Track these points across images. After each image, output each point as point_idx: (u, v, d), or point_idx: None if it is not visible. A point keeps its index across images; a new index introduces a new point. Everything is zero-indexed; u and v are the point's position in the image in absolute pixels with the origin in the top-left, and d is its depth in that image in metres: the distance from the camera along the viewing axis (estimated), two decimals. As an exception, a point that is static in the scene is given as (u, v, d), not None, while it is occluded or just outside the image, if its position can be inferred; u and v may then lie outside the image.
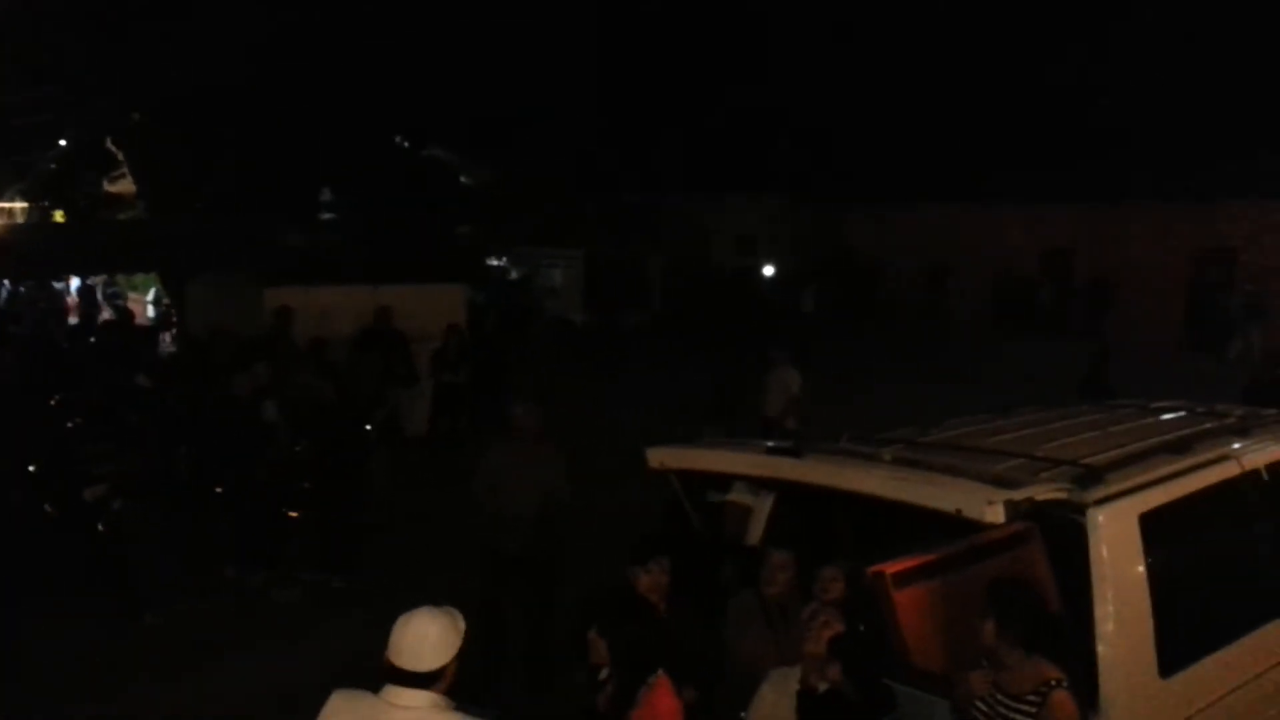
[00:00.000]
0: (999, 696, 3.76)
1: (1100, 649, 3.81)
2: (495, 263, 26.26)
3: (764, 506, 5.20)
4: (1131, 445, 4.92)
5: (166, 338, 13.55)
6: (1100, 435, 5.23)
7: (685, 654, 3.91)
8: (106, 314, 15.15)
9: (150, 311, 15.84)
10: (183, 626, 7.37)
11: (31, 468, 8.17)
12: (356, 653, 6.73)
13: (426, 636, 2.98)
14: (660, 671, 3.63)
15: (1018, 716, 3.70)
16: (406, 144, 27.61)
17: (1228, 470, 4.71)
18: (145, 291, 16.78)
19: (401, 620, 3.03)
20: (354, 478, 8.47)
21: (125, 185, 20.30)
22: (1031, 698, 3.68)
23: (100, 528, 7.45)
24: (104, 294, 16.47)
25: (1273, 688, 4.48)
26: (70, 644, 6.95)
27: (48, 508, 7.79)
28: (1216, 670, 4.22)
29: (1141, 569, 3.98)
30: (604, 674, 3.70)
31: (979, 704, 3.80)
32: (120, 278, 16.73)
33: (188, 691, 6.46)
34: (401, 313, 12.36)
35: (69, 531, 7.68)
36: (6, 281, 16.99)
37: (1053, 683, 3.67)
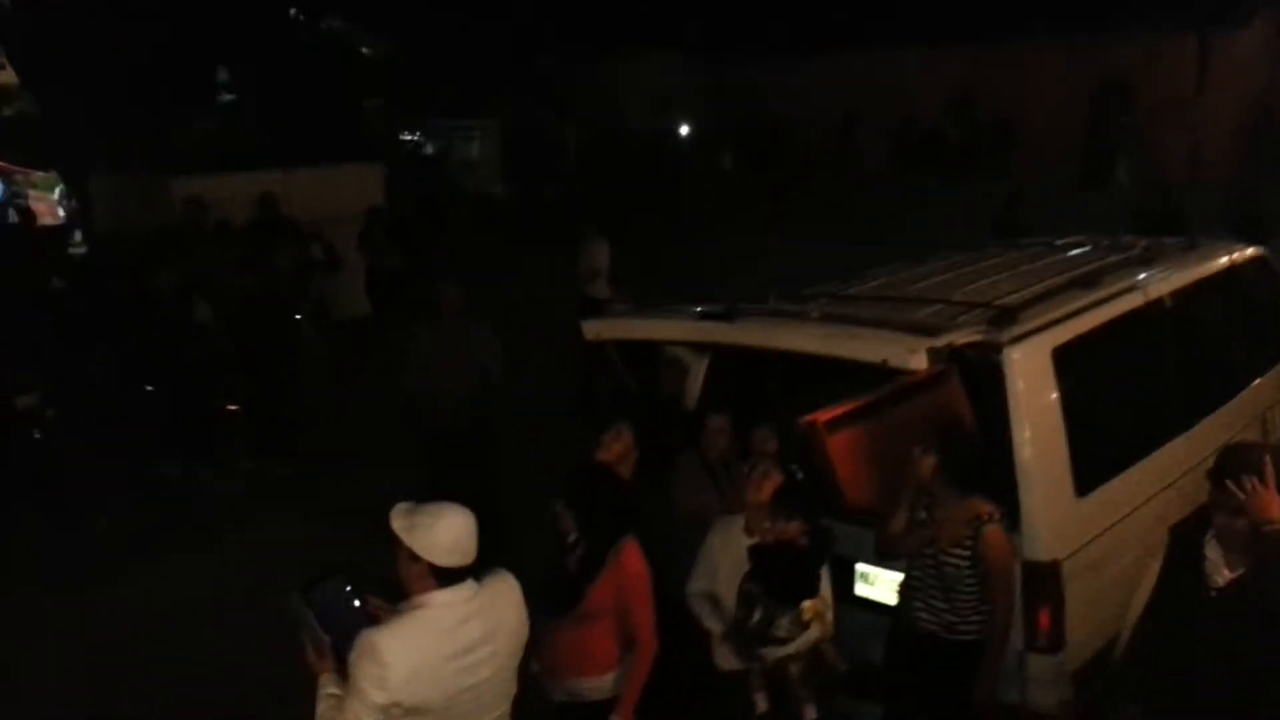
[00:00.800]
0: (939, 544, 4.03)
1: (1019, 475, 4.09)
2: (408, 137, 25.51)
3: (700, 367, 5.36)
4: (1042, 283, 5.17)
5: (76, 236, 13.06)
6: (1012, 275, 5.47)
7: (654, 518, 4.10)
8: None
9: (61, 211, 15.15)
10: (133, 526, 7.40)
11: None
12: (308, 540, 6.93)
13: (467, 529, 2.96)
14: (628, 536, 3.82)
15: (956, 553, 4.00)
16: (301, 17, 26.26)
17: (1134, 301, 4.99)
18: (48, 190, 16.02)
19: (436, 523, 2.92)
20: (286, 368, 8.45)
21: (5, 77, 19.04)
22: (967, 541, 3.96)
23: (36, 436, 7.36)
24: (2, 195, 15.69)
25: (1177, 495, 4.86)
26: (21, 555, 6.95)
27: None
28: (1128, 486, 4.53)
29: (1055, 398, 4.24)
30: (572, 539, 3.86)
31: (924, 552, 4.08)
32: (19, 177, 15.91)
33: (145, 590, 6.53)
34: (316, 196, 12.05)
35: (3, 443, 7.57)
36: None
37: (985, 518, 3.94)
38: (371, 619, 2.98)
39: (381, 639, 2.83)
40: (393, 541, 2.96)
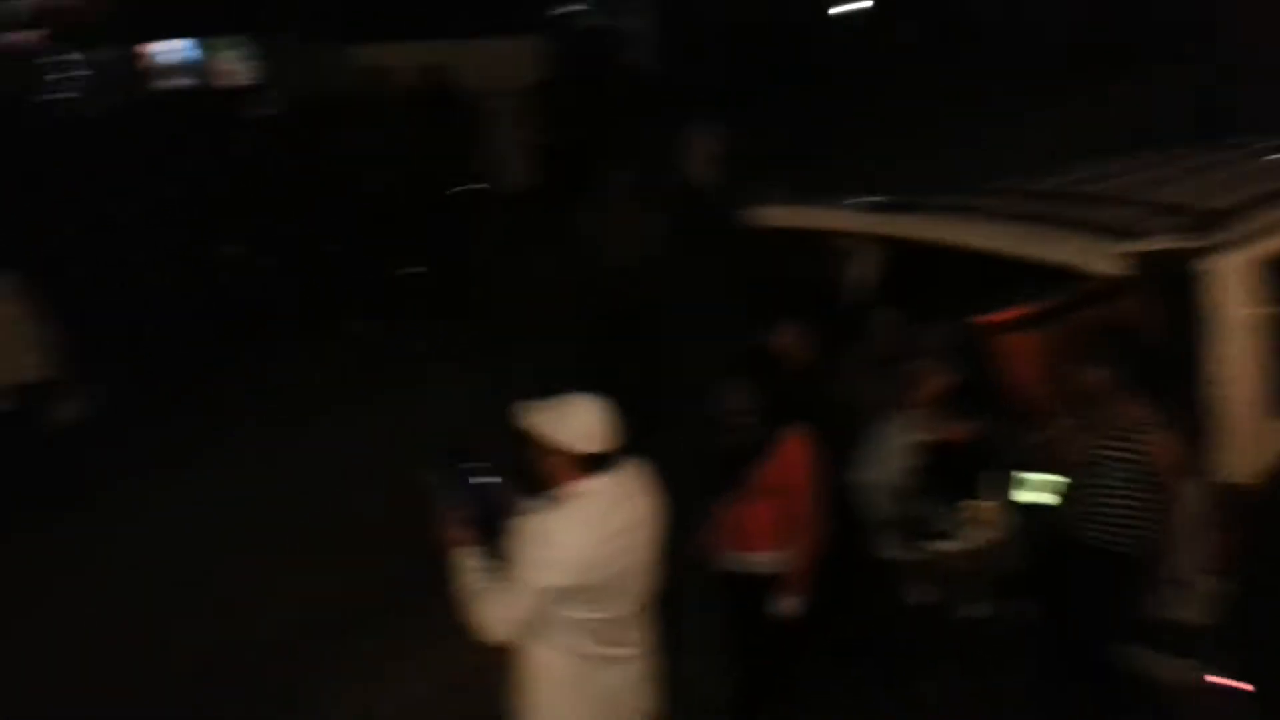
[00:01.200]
0: (1102, 439, 3.95)
1: (1212, 392, 3.92)
2: (570, 8, 25.16)
3: (873, 260, 5.29)
4: (1251, 187, 4.83)
5: (261, 100, 13.59)
6: (1218, 178, 5.13)
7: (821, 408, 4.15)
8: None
9: (245, 75, 15.75)
10: (318, 374, 8.02)
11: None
12: (473, 402, 7.24)
13: (603, 414, 2.98)
14: (798, 421, 3.90)
15: (1117, 453, 3.92)
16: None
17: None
18: (232, 53, 16.60)
19: (570, 412, 2.95)
20: (461, 235, 8.78)
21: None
22: (1131, 446, 3.88)
23: (243, 283, 7.94)
24: (184, 57, 16.41)
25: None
26: (212, 394, 7.63)
27: (184, 267, 8.30)
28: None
29: (1257, 313, 4.03)
30: (743, 418, 3.97)
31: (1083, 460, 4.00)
32: (204, 41, 16.56)
33: (330, 432, 7.11)
34: (481, 68, 12.16)
35: (206, 288, 8.20)
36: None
37: (1152, 423, 3.84)
38: (506, 499, 3.06)
39: (552, 523, 2.89)
40: (527, 441, 2.97)
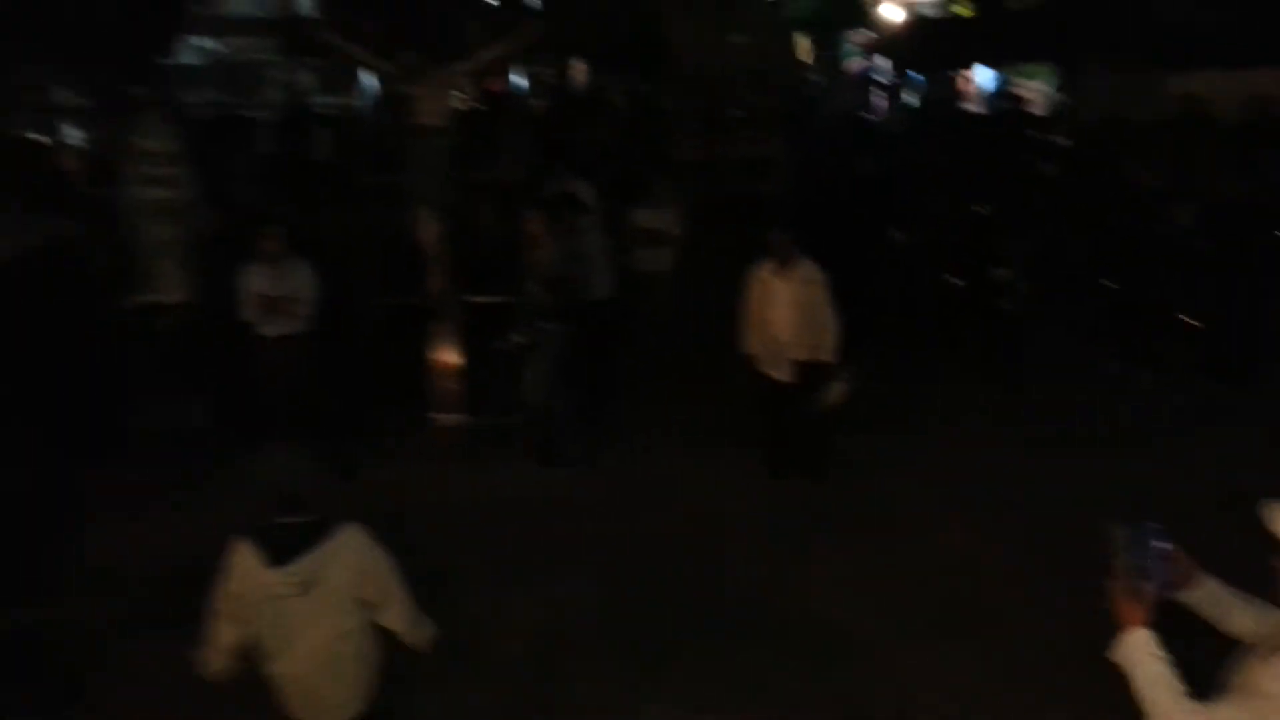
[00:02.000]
0: None
1: None
2: None
3: None
4: None
5: (1060, 127, 13.57)
6: None
7: None
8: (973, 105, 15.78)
9: (1044, 101, 15.86)
10: (1063, 406, 7.72)
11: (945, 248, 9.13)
12: (1232, 459, 6.45)
13: None
14: None
15: None
16: None
17: None
18: (1040, 81, 16.77)
19: None
20: (1261, 284, 7.81)
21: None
22: None
23: (1006, 306, 8.08)
24: (994, 83, 16.96)
25: None
26: (958, 402, 7.84)
27: (958, 280, 8.67)
28: None
29: None
30: None
31: None
32: (1014, 69, 16.98)
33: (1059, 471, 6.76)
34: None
35: (973, 304, 8.49)
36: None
37: None
38: (1176, 574, 2.66)
39: None
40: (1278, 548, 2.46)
